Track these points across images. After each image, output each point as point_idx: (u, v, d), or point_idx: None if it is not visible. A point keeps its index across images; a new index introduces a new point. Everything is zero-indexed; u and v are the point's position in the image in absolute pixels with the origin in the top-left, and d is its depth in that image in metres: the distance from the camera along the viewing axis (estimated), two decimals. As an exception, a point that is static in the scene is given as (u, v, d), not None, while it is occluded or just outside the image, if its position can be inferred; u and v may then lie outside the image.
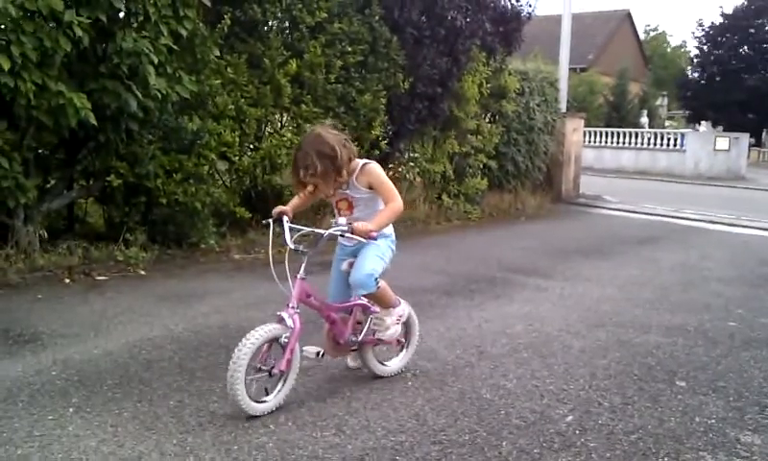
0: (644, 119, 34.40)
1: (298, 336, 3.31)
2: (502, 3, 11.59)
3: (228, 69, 7.56)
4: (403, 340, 3.99)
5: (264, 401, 3.31)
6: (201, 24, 6.83)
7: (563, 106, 14.59)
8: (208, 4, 6.68)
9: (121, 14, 6.17)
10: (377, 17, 8.95)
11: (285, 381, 3.39)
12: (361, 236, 3.27)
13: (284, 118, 8.58)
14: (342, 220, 3.42)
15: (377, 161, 9.16)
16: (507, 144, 12.47)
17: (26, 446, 2.92)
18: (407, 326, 3.95)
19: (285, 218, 3.47)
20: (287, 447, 3.02)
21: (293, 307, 3.31)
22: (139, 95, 6.07)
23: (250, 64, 7.80)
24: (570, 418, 3.46)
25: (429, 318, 5.11)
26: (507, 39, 11.82)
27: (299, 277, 3.36)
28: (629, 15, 45.81)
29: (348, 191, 3.49)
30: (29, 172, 5.99)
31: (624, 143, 26.81)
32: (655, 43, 56.39)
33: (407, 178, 10.63)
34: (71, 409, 3.31)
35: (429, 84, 9.79)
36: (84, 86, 5.90)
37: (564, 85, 14.71)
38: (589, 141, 26.05)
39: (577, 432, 3.29)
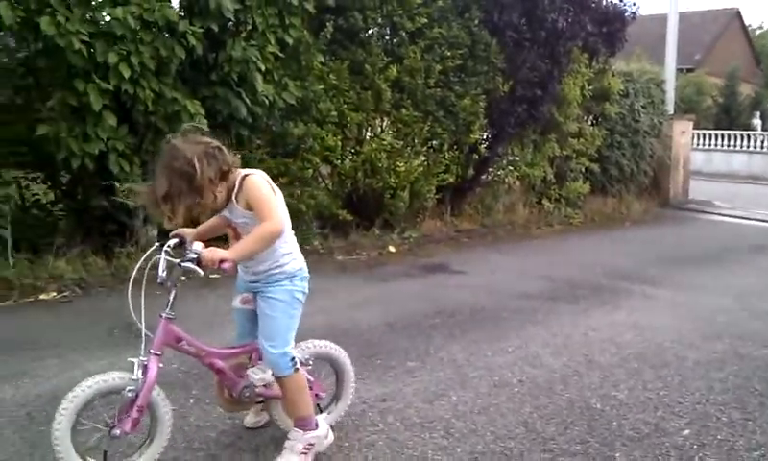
0: (757, 121, 32.50)
1: (150, 389, 2.59)
2: (604, 3, 11.27)
3: (331, 75, 7.73)
4: (321, 394, 3.17)
5: None
6: (305, 32, 7.03)
7: (669, 107, 14.01)
8: (312, 11, 6.89)
9: (230, 24, 6.44)
10: (476, 21, 8.91)
11: (149, 444, 2.75)
12: (209, 268, 2.55)
13: (384, 122, 8.68)
14: (197, 245, 2.57)
15: (478, 165, 8.97)
16: (610, 147, 12.13)
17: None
18: (338, 373, 3.22)
19: (168, 244, 2.70)
20: (396, 446, 3.06)
21: (153, 353, 2.61)
22: (248, 102, 6.32)
23: (351, 70, 7.95)
24: (687, 432, 3.32)
25: (532, 323, 5.05)
26: (610, 40, 11.44)
27: (164, 316, 2.66)
28: (738, 14, 43.47)
29: (227, 214, 2.73)
30: (147, 175, 6.33)
31: (735, 146, 25.42)
32: (763, 41, 53.26)
33: (506, 182, 10.53)
34: (191, 400, 3.48)
35: (529, 87, 9.64)
36: (196, 94, 6.19)
37: (670, 87, 14.14)
38: (698, 144, 24.85)
39: (695, 447, 3.16)
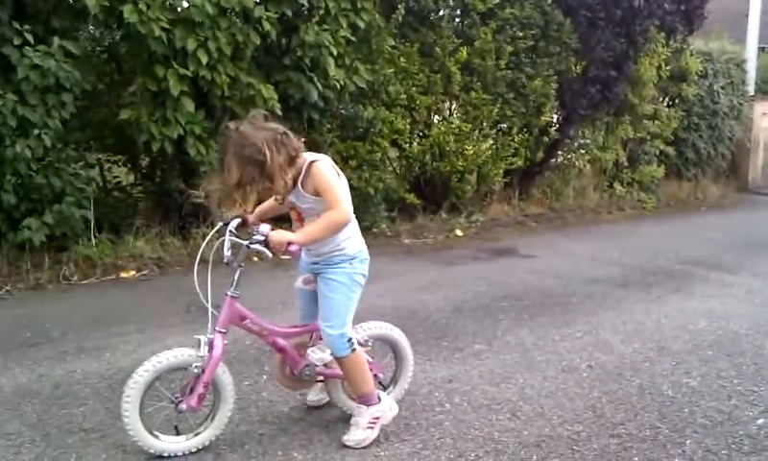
0: None
1: (215, 366, 2.68)
2: (683, -21, 10.86)
3: (401, 58, 7.75)
4: (380, 375, 3.17)
5: (172, 441, 2.74)
6: (377, 15, 7.07)
7: (750, 88, 13.42)
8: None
9: (303, 9, 6.53)
10: (549, 0, 8.75)
11: (212, 419, 2.81)
12: (277, 250, 2.58)
13: (453, 106, 8.65)
14: (264, 227, 2.60)
15: (548, 148, 8.85)
16: (687, 129, 11.72)
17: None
18: (397, 354, 3.23)
19: (231, 225, 2.76)
20: (463, 426, 3.10)
21: (218, 331, 2.69)
22: (320, 86, 6.42)
23: (421, 53, 7.94)
24: (761, 421, 3.24)
25: (603, 310, 4.99)
26: (688, 18, 11.02)
27: (229, 294, 2.73)
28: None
29: (292, 198, 2.77)
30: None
31: (822, 128, 24.14)
32: None
33: (576, 165, 10.34)
34: (264, 376, 3.60)
35: (603, 68, 9.41)
36: (270, 78, 6.32)
37: (751, 67, 13.51)
38: (781, 126, 23.70)
39: (771, 437, 3.08)
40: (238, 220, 2.79)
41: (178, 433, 2.76)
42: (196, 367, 2.64)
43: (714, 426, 3.16)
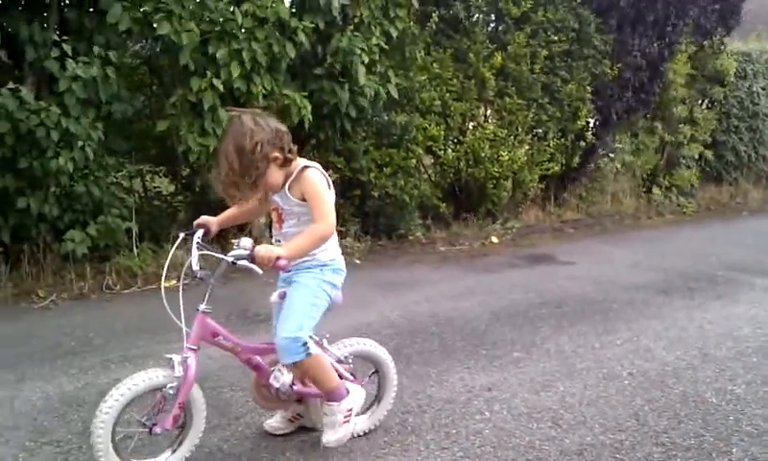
0: None
1: (190, 386, 2.58)
2: (718, -22, 10.68)
3: (434, 64, 7.75)
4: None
5: None
6: (410, 23, 7.09)
7: (793, 89, 13.11)
8: (416, 5, 6.95)
9: (338, 19, 6.58)
10: (583, 3, 8.69)
11: (180, 442, 2.71)
12: (263, 265, 2.46)
13: (488, 111, 8.62)
14: (246, 241, 2.50)
15: (584, 153, 8.76)
16: (726, 132, 11.52)
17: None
18: (380, 372, 3.09)
19: (197, 235, 2.72)
20: (504, 435, 3.08)
21: (191, 349, 2.60)
22: (352, 94, 6.45)
23: (455, 59, 7.94)
24: (811, 430, 3.16)
25: (644, 317, 4.92)
26: (724, 18, 10.86)
27: (200, 310, 2.63)
28: None
29: (277, 199, 2.71)
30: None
31: None
32: None
33: (612, 170, 10.22)
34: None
35: (637, 71, 9.30)
36: (304, 88, 6.38)
37: (794, 67, 13.21)
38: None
39: (821, 447, 3.00)
40: (202, 230, 2.75)
41: (149, 457, 2.67)
42: (171, 388, 2.53)
43: (761, 435, 3.10)
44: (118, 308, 5.20)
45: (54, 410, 3.32)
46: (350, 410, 2.77)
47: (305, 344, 2.61)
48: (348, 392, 2.78)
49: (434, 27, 7.48)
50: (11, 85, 5.09)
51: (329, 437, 2.75)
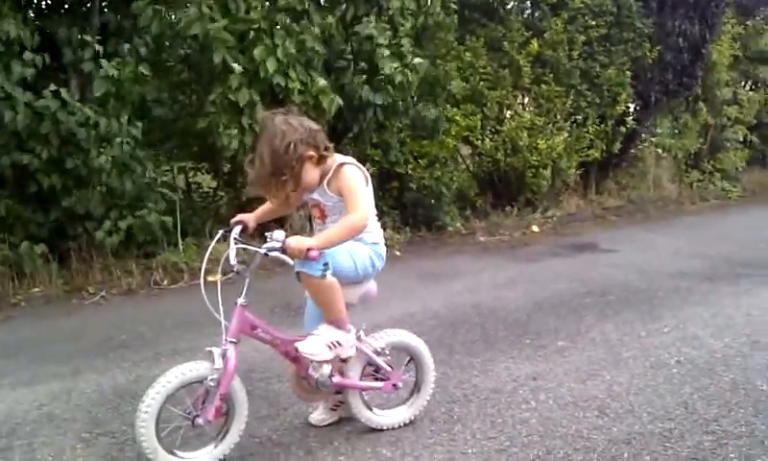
0: None
1: (231, 377, 2.62)
2: (764, -45, 10.43)
3: (467, 53, 7.72)
4: (399, 384, 3.03)
5: (184, 458, 2.67)
6: (441, 13, 7.07)
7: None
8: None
9: (368, 10, 6.59)
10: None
11: (225, 434, 2.74)
12: (294, 256, 2.50)
13: (525, 99, 8.56)
14: (278, 233, 2.54)
15: (625, 139, 8.64)
16: (771, 113, 11.25)
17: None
18: (417, 362, 3.09)
19: (234, 232, 2.80)
20: (550, 424, 3.07)
21: (230, 341, 2.63)
22: (380, 84, 6.47)
23: (488, 47, 7.89)
24: None
25: (690, 304, 4.84)
26: (766, -2, 10.61)
27: (239, 303, 2.68)
28: None
29: (316, 196, 2.76)
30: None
31: None
32: None
33: (654, 155, 10.06)
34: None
35: (678, 53, 9.14)
36: (338, 81, 6.42)
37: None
38: None
39: None
40: (239, 226, 2.83)
41: (195, 449, 2.72)
42: (212, 380, 2.58)
43: (815, 422, 3.03)
44: (166, 303, 5.32)
45: (108, 402, 3.42)
46: (339, 344, 2.75)
47: (326, 266, 2.59)
48: (348, 329, 2.79)
49: (466, 15, 7.43)
50: (52, 87, 5.23)
51: (306, 345, 2.71)
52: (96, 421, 3.22)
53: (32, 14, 5.80)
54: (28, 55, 5.21)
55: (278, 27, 5.88)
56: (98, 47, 5.43)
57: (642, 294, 5.14)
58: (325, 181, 2.70)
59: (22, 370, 3.89)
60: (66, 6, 5.84)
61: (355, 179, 2.68)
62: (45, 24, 5.70)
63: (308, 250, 2.47)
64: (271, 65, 5.80)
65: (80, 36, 5.55)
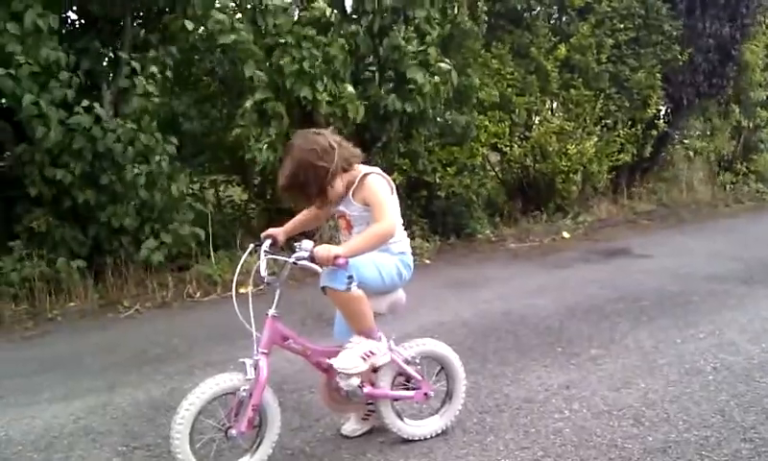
0: None
1: (263, 388, 2.63)
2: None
3: (494, 60, 7.71)
4: (430, 393, 3.03)
5: None
6: (468, 21, 7.07)
7: None
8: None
9: (394, 19, 6.61)
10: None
11: (258, 445, 2.75)
12: (322, 264, 2.55)
13: (554, 105, 8.52)
14: (307, 243, 2.58)
15: (656, 142, 8.52)
16: (808, 114, 11.01)
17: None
18: (448, 371, 3.07)
19: (265, 245, 2.85)
20: (584, 433, 3.04)
21: (262, 352, 2.66)
22: (409, 93, 6.49)
23: (515, 53, 7.87)
24: None
25: (726, 308, 4.76)
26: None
27: (270, 315, 2.71)
28: None
29: (342, 207, 2.82)
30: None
31: None
32: None
33: (686, 158, 9.92)
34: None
35: (709, 55, 9.01)
36: (366, 91, 6.46)
37: None
38: None
39: None
40: (269, 240, 2.89)
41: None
42: (244, 390, 2.61)
43: None
44: (199, 315, 5.38)
45: (143, 415, 3.46)
46: (373, 354, 2.78)
47: (351, 278, 2.63)
48: (379, 337, 2.81)
49: (493, 22, 7.43)
50: (84, 103, 5.33)
51: (342, 362, 2.75)
52: (132, 434, 3.27)
53: (64, 32, 5.94)
54: (64, 74, 5.31)
55: (305, 39, 5.93)
56: (134, 64, 5.53)
57: (677, 299, 5.06)
58: (351, 192, 2.76)
59: (59, 384, 3.97)
60: (99, 24, 5.96)
61: (380, 188, 2.74)
62: (79, 42, 5.82)
63: (335, 257, 2.52)
64: (298, 78, 5.86)
65: (113, 54, 5.67)
